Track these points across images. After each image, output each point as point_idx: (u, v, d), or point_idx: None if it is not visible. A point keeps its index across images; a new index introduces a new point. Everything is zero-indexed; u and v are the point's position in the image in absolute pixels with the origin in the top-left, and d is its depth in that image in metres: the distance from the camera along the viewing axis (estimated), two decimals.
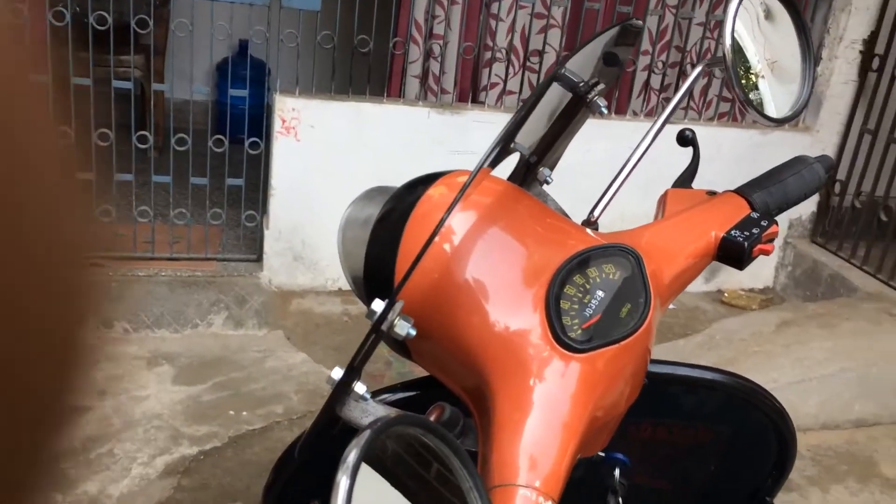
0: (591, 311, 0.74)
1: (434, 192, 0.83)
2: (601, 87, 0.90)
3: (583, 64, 0.90)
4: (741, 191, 0.92)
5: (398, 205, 0.84)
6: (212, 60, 3.14)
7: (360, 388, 0.72)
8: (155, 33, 3.58)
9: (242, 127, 2.84)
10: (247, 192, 2.98)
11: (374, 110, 2.90)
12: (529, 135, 0.93)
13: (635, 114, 3.24)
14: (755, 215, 0.88)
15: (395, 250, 0.80)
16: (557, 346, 0.72)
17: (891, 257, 3.09)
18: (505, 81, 3.09)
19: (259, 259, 3.04)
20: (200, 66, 2.85)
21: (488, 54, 3.10)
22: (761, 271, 3.51)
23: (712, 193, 0.94)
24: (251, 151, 2.87)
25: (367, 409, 0.73)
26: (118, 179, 2.85)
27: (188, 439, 2.22)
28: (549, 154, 0.96)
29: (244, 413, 2.36)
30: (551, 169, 0.98)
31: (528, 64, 3.11)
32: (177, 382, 2.47)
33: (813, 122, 3.34)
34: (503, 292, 0.77)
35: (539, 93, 0.82)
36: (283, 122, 2.83)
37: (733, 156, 3.23)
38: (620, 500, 0.86)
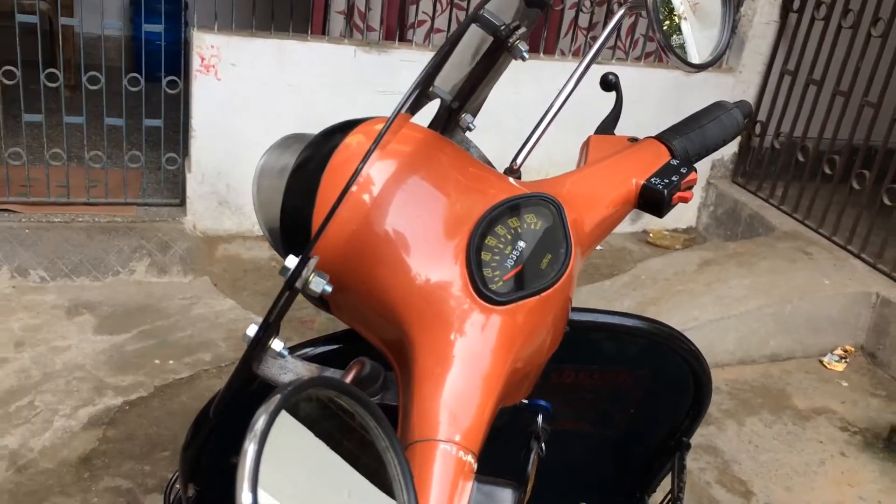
0: (512, 263, 0.73)
1: (352, 140, 0.80)
2: (522, 30, 0.88)
3: (503, 5, 0.88)
4: (661, 137, 0.92)
5: (315, 153, 0.81)
6: None
7: (277, 344, 0.71)
8: None
9: (160, 64, 2.72)
10: (166, 133, 2.87)
11: (298, 48, 2.81)
12: (449, 79, 0.90)
13: (563, 53, 3.23)
14: (675, 162, 0.88)
15: (312, 201, 0.77)
16: (478, 298, 0.71)
17: (807, 197, 3.20)
18: (433, 19, 3.02)
19: (182, 203, 2.95)
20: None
21: None
22: (685, 212, 3.59)
23: (634, 140, 0.94)
24: (169, 91, 2.75)
25: (285, 366, 0.72)
26: (27, 120, 2.70)
27: (112, 389, 2.17)
28: (471, 99, 0.94)
29: (170, 362, 2.31)
30: (474, 115, 0.96)
31: (455, 1, 3.05)
32: (99, 332, 2.40)
33: (736, 63, 3.39)
34: (423, 244, 0.75)
35: (457, 36, 0.79)
36: (203, 59, 2.72)
37: (658, 98, 3.26)
38: (543, 445, 0.87)
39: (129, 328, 2.43)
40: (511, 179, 0.84)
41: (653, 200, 0.85)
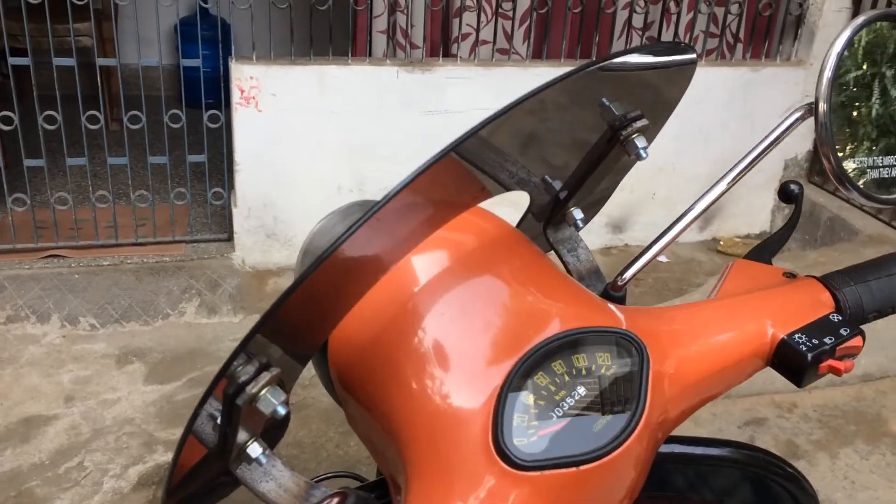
0: (560, 414, 0.57)
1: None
2: (642, 122, 0.70)
3: (621, 85, 0.69)
4: (827, 280, 0.71)
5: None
6: (176, 17, 2.91)
7: (254, 449, 0.61)
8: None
9: (202, 92, 2.64)
10: (211, 167, 2.80)
11: (339, 73, 2.70)
12: (557, 158, 0.76)
13: None
14: (835, 318, 0.67)
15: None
16: (495, 454, 0.55)
17: None
18: (477, 31, 2.88)
19: (230, 238, 2.88)
20: (153, 29, 2.63)
21: (458, 2, 2.89)
22: (758, 216, 3.37)
23: (791, 276, 0.74)
24: (211, 125, 2.68)
25: (268, 473, 0.63)
26: (70, 164, 2.66)
27: (163, 445, 2.10)
28: (581, 191, 0.77)
29: None
30: (587, 213, 0.80)
31: (500, 10, 2.90)
32: (149, 381, 2.34)
33: (806, 55, 3.16)
34: (449, 368, 0.61)
35: (540, 90, 0.61)
36: (242, 92, 2.63)
37: (724, 97, 3.05)
38: None
39: (179, 376, 2.36)
40: (606, 303, 0.67)
41: (791, 363, 0.65)
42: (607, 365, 0.59)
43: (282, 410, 0.56)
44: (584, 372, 0.59)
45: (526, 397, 0.57)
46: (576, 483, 0.55)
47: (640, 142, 0.70)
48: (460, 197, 0.69)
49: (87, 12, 2.67)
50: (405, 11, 2.80)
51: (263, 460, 0.61)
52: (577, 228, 0.80)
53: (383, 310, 0.66)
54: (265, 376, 0.56)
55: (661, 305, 0.71)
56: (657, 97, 0.76)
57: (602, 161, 0.73)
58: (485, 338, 0.62)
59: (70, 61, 2.54)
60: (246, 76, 2.62)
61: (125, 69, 2.71)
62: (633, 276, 0.76)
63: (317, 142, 2.74)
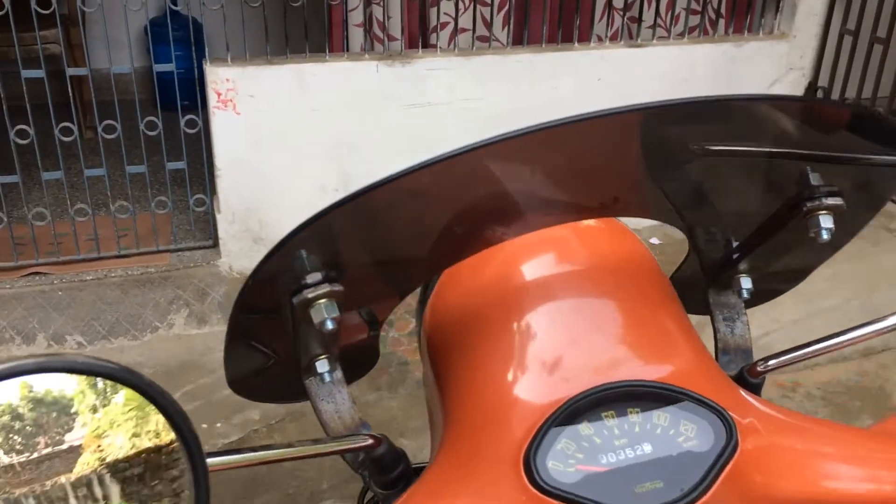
0: (611, 460, 0.53)
1: None
2: (835, 200, 0.61)
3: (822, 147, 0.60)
4: None
5: None
6: (146, 18, 2.82)
7: (322, 365, 0.64)
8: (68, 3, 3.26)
9: (183, 96, 2.56)
10: (191, 173, 2.73)
11: (318, 70, 2.64)
12: (737, 210, 0.66)
13: (600, 39, 3.00)
14: None
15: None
16: (522, 467, 0.53)
17: None
18: (456, 19, 2.82)
19: (215, 245, 2.81)
20: (123, 31, 2.55)
21: None
22: None
23: None
24: (189, 130, 2.61)
25: (331, 393, 0.68)
26: (46, 178, 2.58)
27: None
28: (754, 259, 0.70)
29: (218, 425, 2.18)
30: (758, 286, 0.71)
31: None
32: None
33: (788, 28, 3.12)
34: (526, 368, 0.60)
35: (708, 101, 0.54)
36: (219, 95, 2.56)
37: (709, 73, 3.01)
38: None
39: (172, 390, 2.29)
40: (723, 374, 0.60)
41: None
42: (687, 435, 0.54)
43: (329, 325, 0.57)
44: (657, 431, 0.54)
45: (584, 428, 0.54)
46: None
47: (825, 220, 0.61)
48: (609, 184, 0.62)
49: (54, 19, 2.58)
50: (381, 3, 2.74)
51: (327, 378, 0.65)
52: (740, 297, 0.72)
53: (488, 289, 0.66)
54: (325, 287, 0.57)
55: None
56: (867, 185, 0.66)
57: (779, 230, 0.65)
58: (569, 355, 0.59)
59: (39, 73, 2.45)
60: (222, 79, 2.55)
61: (96, 74, 2.63)
62: (778, 366, 0.68)
63: (298, 142, 2.68)
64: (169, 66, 2.56)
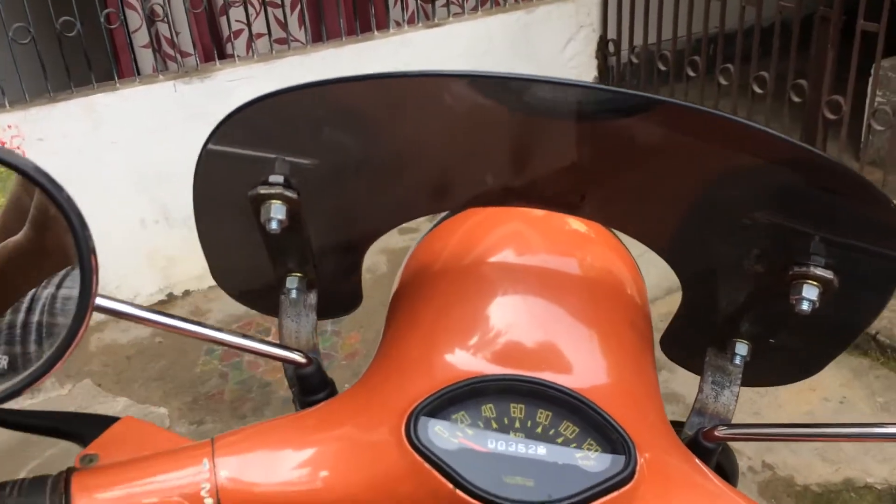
0: (490, 445, 0.53)
1: None
2: (824, 272, 0.56)
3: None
4: None
5: None
6: None
7: (291, 282, 0.68)
8: None
9: None
10: None
11: (109, 100, 2.47)
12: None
13: (398, 24, 3.00)
14: None
15: None
16: (405, 423, 0.53)
17: None
18: (249, 26, 2.72)
19: None
20: None
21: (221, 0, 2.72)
22: None
23: None
24: None
25: (298, 313, 0.69)
26: None
27: None
28: (746, 323, 0.64)
29: None
30: (753, 351, 0.65)
31: (267, 0, 2.76)
32: None
33: None
34: (448, 336, 0.60)
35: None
36: (3, 144, 2.34)
37: (507, 43, 3.09)
38: None
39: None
40: (675, 437, 0.59)
41: None
42: (586, 454, 0.53)
43: (273, 225, 0.58)
44: (559, 440, 0.53)
45: (487, 409, 0.54)
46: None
47: (807, 290, 0.55)
48: (568, 176, 0.59)
49: None
50: (165, 20, 2.60)
51: (293, 294, 0.67)
52: (733, 363, 0.65)
53: (454, 259, 0.68)
54: (278, 188, 0.58)
55: None
56: (867, 269, 0.58)
57: (763, 293, 0.60)
58: (503, 336, 0.59)
59: None
60: (3, 126, 2.33)
61: None
62: (734, 438, 0.63)
63: (103, 180, 2.50)
64: None
